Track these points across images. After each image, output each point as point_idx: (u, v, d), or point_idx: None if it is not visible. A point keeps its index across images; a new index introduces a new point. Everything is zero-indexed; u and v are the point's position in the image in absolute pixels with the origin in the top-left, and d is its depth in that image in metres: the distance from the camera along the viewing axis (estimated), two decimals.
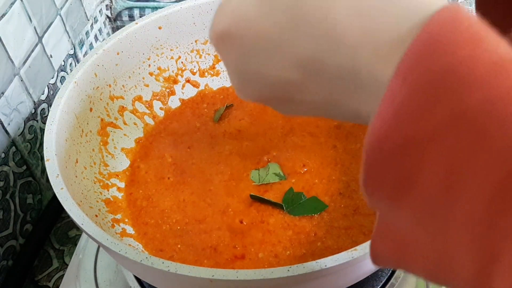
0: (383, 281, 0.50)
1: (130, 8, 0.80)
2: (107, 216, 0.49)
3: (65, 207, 0.41)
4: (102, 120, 0.56)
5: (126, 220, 0.51)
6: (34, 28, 0.61)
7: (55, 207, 0.65)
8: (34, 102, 0.62)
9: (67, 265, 0.57)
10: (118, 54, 0.57)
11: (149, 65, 0.61)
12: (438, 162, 0.17)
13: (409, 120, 0.17)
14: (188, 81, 0.64)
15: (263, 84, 0.25)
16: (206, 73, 0.64)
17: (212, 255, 0.47)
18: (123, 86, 0.59)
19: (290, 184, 0.51)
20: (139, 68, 0.60)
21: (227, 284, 0.36)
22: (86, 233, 0.40)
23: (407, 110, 0.17)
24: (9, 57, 0.56)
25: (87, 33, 0.74)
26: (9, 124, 0.57)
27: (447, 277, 0.19)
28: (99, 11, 0.78)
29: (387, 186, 0.19)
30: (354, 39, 0.20)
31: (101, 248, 0.55)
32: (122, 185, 0.54)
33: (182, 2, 0.60)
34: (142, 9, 0.79)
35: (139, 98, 0.60)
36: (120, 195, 0.53)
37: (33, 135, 0.62)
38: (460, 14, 0.18)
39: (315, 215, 0.49)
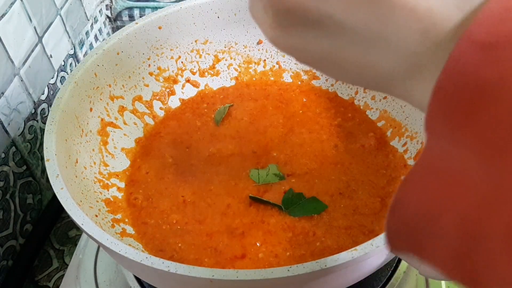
0: (383, 281, 0.50)
1: (130, 8, 0.80)
2: (107, 216, 0.49)
3: (65, 207, 0.41)
4: (102, 120, 0.56)
5: (126, 220, 0.51)
6: (34, 28, 0.61)
7: (55, 207, 0.65)
8: (34, 102, 0.62)
9: (67, 265, 0.57)
10: (118, 54, 0.57)
11: (149, 65, 0.61)
12: None
13: None
14: (188, 81, 0.64)
15: None
16: (206, 73, 0.64)
17: (213, 255, 0.47)
18: (123, 86, 0.59)
19: (290, 184, 0.51)
20: (139, 68, 0.60)
21: (227, 284, 0.36)
22: (86, 233, 0.40)
23: None
24: (9, 57, 0.56)
25: (87, 33, 0.74)
26: (9, 124, 0.57)
27: (486, 224, 0.18)
28: (99, 11, 0.78)
29: (473, 87, 0.17)
30: None
31: (101, 248, 0.55)
32: (122, 185, 0.54)
33: (182, 2, 0.60)
34: (142, 9, 0.79)
35: (139, 98, 0.60)
36: (120, 195, 0.53)
37: (33, 135, 0.62)
38: None
39: (315, 215, 0.49)
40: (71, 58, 0.70)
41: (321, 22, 0.21)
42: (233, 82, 0.65)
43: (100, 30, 0.78)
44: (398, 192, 0.20)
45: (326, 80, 0.64)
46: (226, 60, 0.65)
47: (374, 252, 0.36)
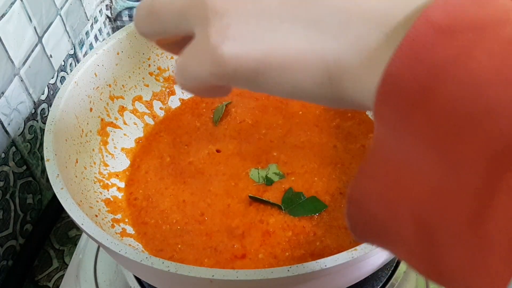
0: (383, 281, 0.50)
1: (130, 8, 0.80)
2: (107, 216, 0.49)
3: (65, 207, 0.41)
4: (102, 120, 0.56)
5: (126, 220, 0.51)
6: (34, 28, 0.61)
7: (55, 207, 0.65)
8: (34, 102, 0.62)
9: (67, 265, 0.57)
10: (118, 54, 0.57)
11: (149, 65, 0.61)
12: (491, 49, 0.16)
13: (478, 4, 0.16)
14: None
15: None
16: None
17: (212, 255, 0.47)
18: (123, 86, 0.59)
19: (290, 183, 0.51)
20: (139, 68, 0.60)
21: (227, 284, 0.36)
22: (86, 233, 0.40)
23: None
24: (9, 57, 0.56)
25: (87, 33, 0.74)
26: (9, 124, 0.57)
27: (439, 214, 0.17)
28: (99, 11, 0.78)
29: (424, 72, 0.17)
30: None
31: (101, 248, 0.55)
32: (122, 185, 0.54)
33: None
34: None
35: (139, 98, 0.60)
36: (120, 195, 0.53)
37: (33, 135, 0.62)
38: None
39: (315, 214, 0.49)
40: (71, 58, 0.70)
41: (262, 17, 0.21)
42: None
43: (100, 30, 0.78)
44: (353, 182, 0.20)
45: None
46: None
47: (374, 252, 0.36)
